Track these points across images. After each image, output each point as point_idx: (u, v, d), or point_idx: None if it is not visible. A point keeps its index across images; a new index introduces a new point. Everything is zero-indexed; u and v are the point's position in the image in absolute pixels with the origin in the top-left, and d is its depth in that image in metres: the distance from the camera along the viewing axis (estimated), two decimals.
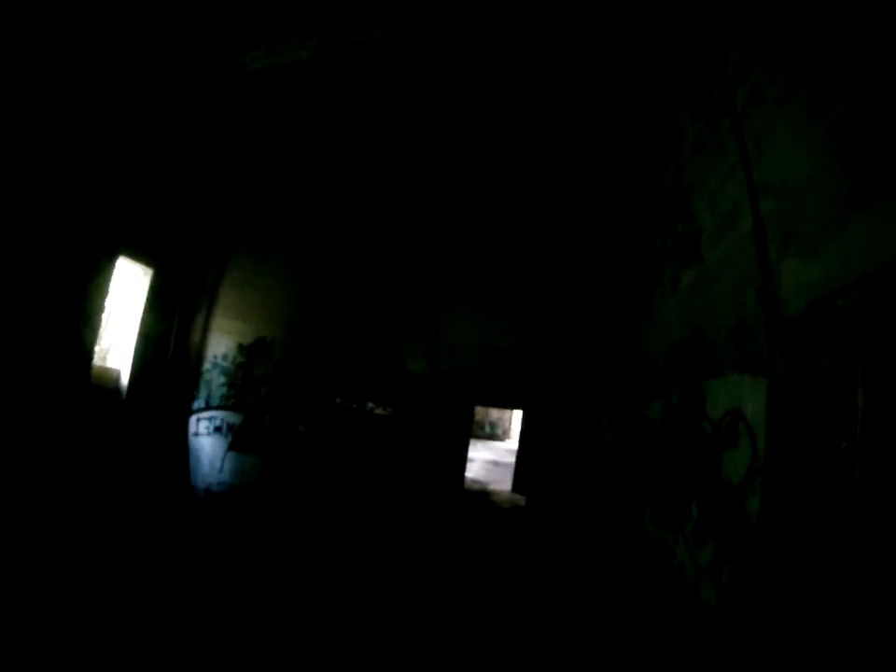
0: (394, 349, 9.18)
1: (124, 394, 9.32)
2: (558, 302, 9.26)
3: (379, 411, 8.84)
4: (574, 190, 8.80)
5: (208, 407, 9.23)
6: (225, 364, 9.27)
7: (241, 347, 9.25)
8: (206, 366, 9.37)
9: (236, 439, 8.94)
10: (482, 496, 11.27)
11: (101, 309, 8.83)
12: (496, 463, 18.00)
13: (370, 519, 8.48)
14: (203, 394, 9.33)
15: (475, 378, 9.13)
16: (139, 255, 9.39)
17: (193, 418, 9.33)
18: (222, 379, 9.24)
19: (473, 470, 15.57)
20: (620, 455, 5.73)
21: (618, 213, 7.73)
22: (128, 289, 9.89)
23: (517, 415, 28.51)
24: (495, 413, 26.63)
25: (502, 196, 9.26)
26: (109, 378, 9.39)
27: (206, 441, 9.14)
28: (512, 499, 11.27)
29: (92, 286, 8.66)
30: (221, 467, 8.96)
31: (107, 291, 8.83)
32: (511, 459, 19.55)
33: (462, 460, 9.10)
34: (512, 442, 26.26)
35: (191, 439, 9.29)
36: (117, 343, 9.82)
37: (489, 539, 8.71)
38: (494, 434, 26.50)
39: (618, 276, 7.46)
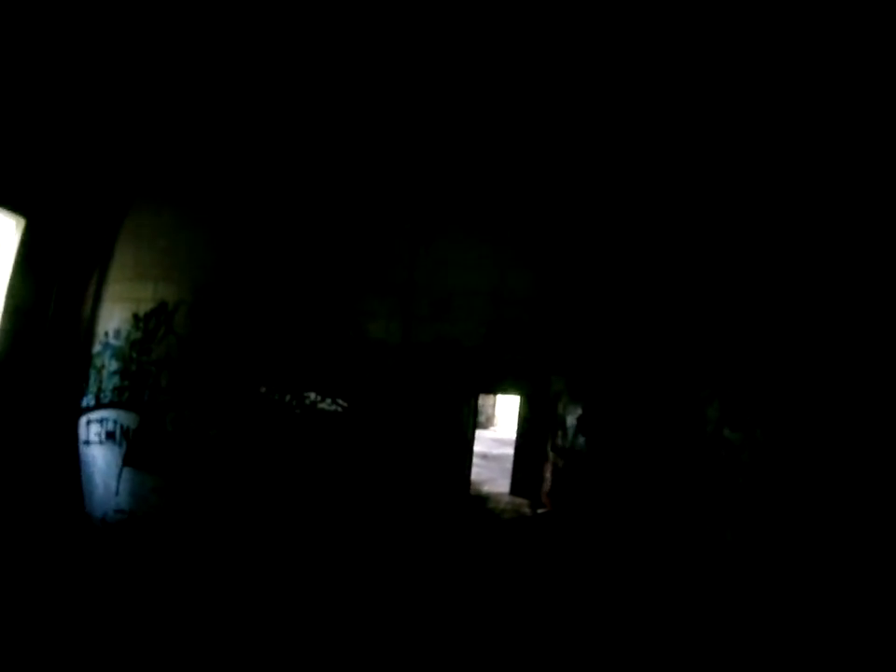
0: (348, 308, 6.35)
1: None
2: (610, 206, 5.90)
3: (326, 405, 6.19)
4: None
5: (98, 404, 6.67)
6: (117, 343, 6.69)
7: (136, 319, 6.66)
8: (97, 347, 6.81)
9: (131, 449, 6.41)
10: (476, 503, 8.95)
11: None
12: (484, 456, 15.73)
13: (317, 562, 6.06)
14: (93, 386, 6.77)
15: (481, 349, 6.56)
16: (3, 198, 6.78)
17: (83, 419, 6.79)
18: (114, 365, 6.67)
19: None
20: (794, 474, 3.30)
21: None
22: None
23: (502, 399, 26.33)
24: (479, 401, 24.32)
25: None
26: None
27: (98, 451, 6.61)
28: (514, 505, 8.98)
29: None
30: (117, 488, 6.44)
31: None
32: (501, 450, 17.30)
33: (463, 477, 6.76)
34: (498, 431, 24.10)
35: (82, 448, 6.75)
36: None
37: (494, 571, 6.39)
38: (478, 423, 24.24)
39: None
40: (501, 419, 26.35)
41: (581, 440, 6.64)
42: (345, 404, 6.18)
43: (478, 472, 12.75)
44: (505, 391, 10.20)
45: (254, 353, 6.36)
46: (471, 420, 7.42)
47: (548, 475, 8.89)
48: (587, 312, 6.11)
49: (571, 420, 7.46)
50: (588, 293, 5.99)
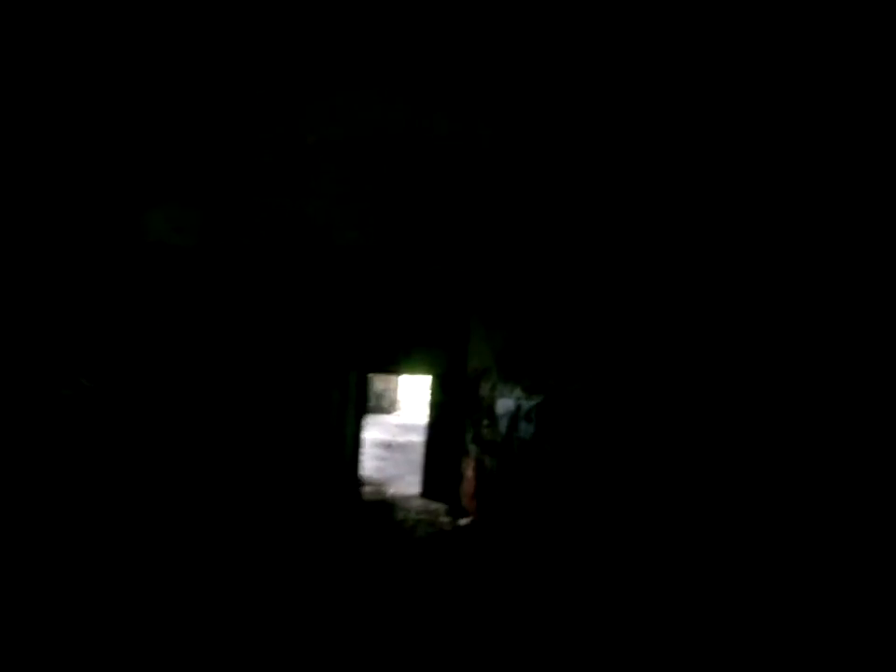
0: (109, 187, 3.08)
1: None
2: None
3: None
4: None
5: None
6: None
7: None
8: None
9: None
10: (380, 509, 7.09)
11: None
12: (388, 445, 13.93)
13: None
14: None
15: (369, 250, 3.90)
16: None
17: None
18: None
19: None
20: None
21: None
22: None
23: (404, 382, 24.61)
24: (380, 384, 22.42)
25: None
26: None
27: None
28: (428, 514, 7.22)
29: None
30: None
31: None
32: (407, 438, 15.53)
33: (341, 500, 4.81)
34: (402, 416, 22.41)
35: None
36: None
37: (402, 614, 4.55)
38: (380, 407, 22.37)
39: None
40: (405, 403, 24.65)
41: (526, 431, 4.94)
42: (88, 384, 3.17)
43: (381, 467, 10.90)
44: (413, 367, 8.36)
45: None
46: (351, 411, 5.54)
47: (470, 473, 7.20)
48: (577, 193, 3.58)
49: (504, 406, 5.76)
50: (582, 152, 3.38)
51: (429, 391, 8.51)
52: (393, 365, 8.34)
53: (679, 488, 3.14)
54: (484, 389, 6.82)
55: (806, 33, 2.43)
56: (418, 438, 15.53)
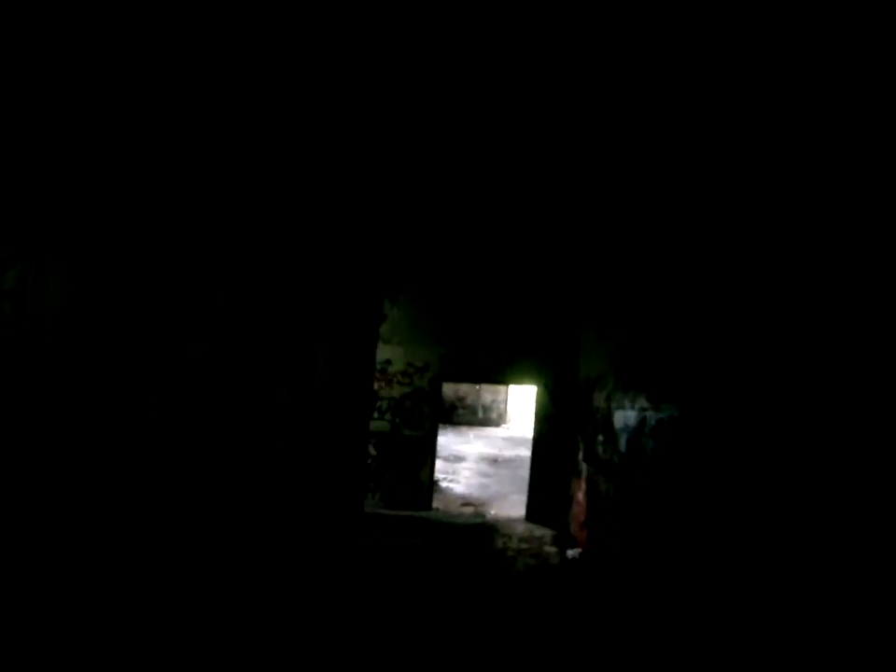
0: None
1: None
2: None
3: None
4: None
5: None
6: None
7: None
8: None
9: None
10: (476, 537, 6.26)
11: None
12: (494, 460, 13.10)
13: None
14: None
15: None
16: None
17: None
18: None
19: (463, 476, 10.67)
20: None
21: None
22: None
23: (514, 394, 23.66)
24: (488, 395, 21.70)
25: None
26: None
27: None
28: (531, 544, 6.29)
29: None
30: None
31: None
32: (515, 452, 14.60)
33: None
34: (512, 428, 21.52)
35: None
36: None
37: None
38: (488, 419, 21.64)
39: None
40: (515, 416, 23.68)
41: (653, 451, 3.92)
42: None
43: (485, 485, 10.10)
44: (517, 376, 7.51)
45: None
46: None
47: (580, 497, 6.20)
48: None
49: (623, 419, 4.75)
50: None
51: (535, 403, 7.61)
52: (494, 373, 7.56)
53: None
54: (598, 400, 5.83)
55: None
56: (527, 452, 14.55)
